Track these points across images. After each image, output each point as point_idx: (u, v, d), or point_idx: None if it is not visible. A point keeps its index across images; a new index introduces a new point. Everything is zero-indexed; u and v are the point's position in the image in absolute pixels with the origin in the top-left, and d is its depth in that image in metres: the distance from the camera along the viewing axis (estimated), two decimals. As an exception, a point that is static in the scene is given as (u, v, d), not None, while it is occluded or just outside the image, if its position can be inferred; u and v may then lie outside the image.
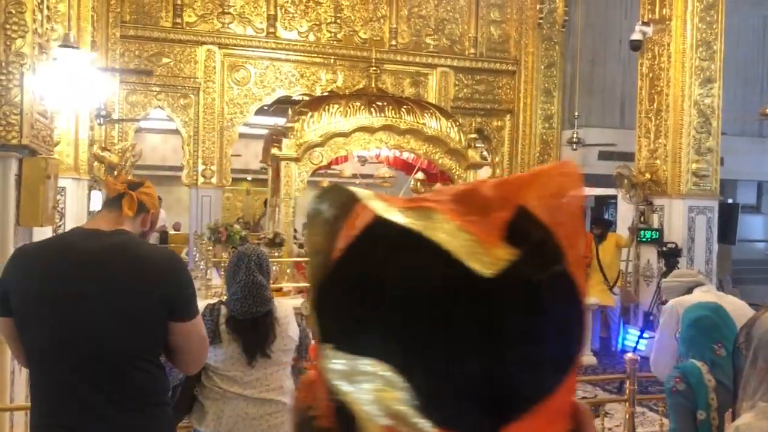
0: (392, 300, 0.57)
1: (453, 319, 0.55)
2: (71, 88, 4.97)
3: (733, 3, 8.29)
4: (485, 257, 0.56)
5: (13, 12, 3.59)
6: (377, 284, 0.58)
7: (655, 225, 8.05)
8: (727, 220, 8.55)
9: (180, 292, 2.01)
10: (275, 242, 7.51)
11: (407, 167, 9.00)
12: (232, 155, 9.92)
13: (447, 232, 0.57)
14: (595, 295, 7.68)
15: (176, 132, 10.19)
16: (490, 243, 0.56)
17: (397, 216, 0.59)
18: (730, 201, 10.88)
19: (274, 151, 8.04)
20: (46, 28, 3.97)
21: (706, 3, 7.71)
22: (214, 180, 9.63)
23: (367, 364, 0.57)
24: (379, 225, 0.59)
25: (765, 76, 10.54)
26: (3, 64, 3.56)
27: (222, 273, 7.27)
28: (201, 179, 9.58)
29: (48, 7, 3.99)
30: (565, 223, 0.61)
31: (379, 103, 8.16)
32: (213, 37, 9.57)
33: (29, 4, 3.64)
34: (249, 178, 17.09)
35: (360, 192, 0.62)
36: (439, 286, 0.56)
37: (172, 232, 14.42)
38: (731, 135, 9.93)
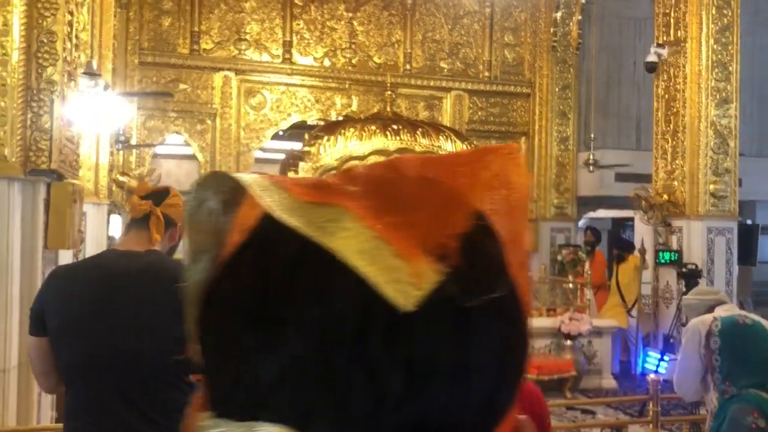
0: (290, 338, 0.44)
1: (366, 363, 0.43)
2: (93, 114, 5.04)
3: (747, 24, 8.32)
4: (406, 281, 0.43)
5: (45, 41, 3.67)
6: (269, 316, 0.45)
7: (674, 246, 8.00)
8: (747, 241, 8.48)
9: None
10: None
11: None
12: (248, 179, 9.97)
13: (359, 244, 0.44)
14: (612, 317, 7.62)
15: (191, 157, 10.28)
16: (413, 257, 0.44)
17: (295, 217, 0.45)
18: (749, 222, 10.81)
19: (291, 175, 8.10)
20: (74, 56, 4.05)
21: (720, 25, 7.74)
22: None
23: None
24: (273, 228, 0.46)
25: (781, 97, 10.51)
26: (34, 91, 3.63)
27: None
28: (218, 203, 9.62)
29: (76, 36, 4.07)
30: (508, 216, 0.50)
31: (395, 127, 8.22)
32: (230, 64, 9.69)
33: (60, 34, 3.72)
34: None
35: (247, 179, 0.48)
36: (347, 322, 0.43)
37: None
38: (749, 156, 9.90)
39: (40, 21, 3.80)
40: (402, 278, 0.43)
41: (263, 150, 10.67)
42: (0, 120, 3.62)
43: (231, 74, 9.71)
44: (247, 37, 9.78)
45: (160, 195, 2.22)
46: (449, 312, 0.45)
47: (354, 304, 0.44)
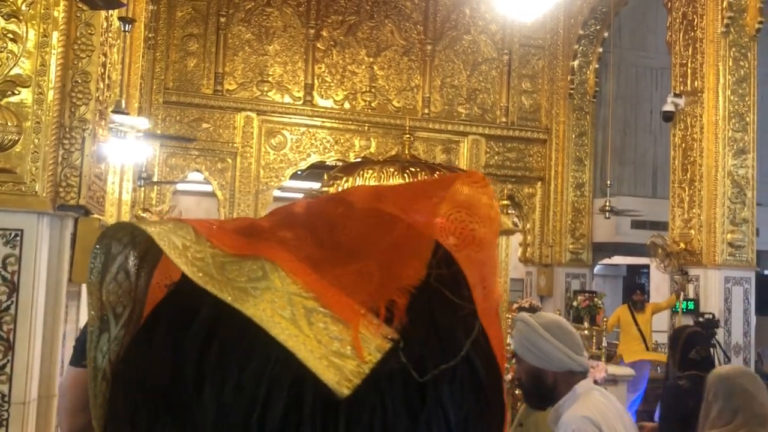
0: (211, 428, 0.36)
1: None
2: (120, 152, 5.17)
3: (763, 74, 8.40)
4: (345, 355, 0.35)
5: (79, 81, 3.81)
6: (180, 402, 0.37)
7: (691, 295, 7.96)
8: (765, 291, 8.42)
9: None
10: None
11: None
12: (266, 218, 10.10)
13: (286, 309, 0.36)
14: (639, 356, 7.60)
15: (210, 195, 10.42)
16: (356, 320, 0.36)
17: (211, 276, 0.37)
18: (766, 272, 10.73)
19: (309, 214, 8.18)
20: (106, 96, 4.19)
21: (737, 76, 7.82)
22: (247, 242, 9.77)
23: None
24: (192, 288, 0.38)
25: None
26: (67, 129, 3.75)
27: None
28: (235, 241, 9.72)
29: (109, 77, 4.22)
30: (476, 252, 0.42)
31: (413, 169, 8.29)
32: (252, 104, 9.90)
33: (93, 75, 3.86)
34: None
35: (158, 230, 0.39)
36: (270, 410, 0.35)
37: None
38: (766, 206, 9.88)
39: (76, 62, 3.94)
40: (343, 352, 0.35)
41: (282, 189, 10.80)
42: (33, 156, 3.73)
43: (253, 114, 9.90)
44: (270, 79, 10.00)
45: None
46: (400, 390, 0.36)
47: (276, 387, 0.35)
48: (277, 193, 10.38)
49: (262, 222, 0.42)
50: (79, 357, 2.00)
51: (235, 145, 9.82)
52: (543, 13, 5.79)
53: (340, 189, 8.05)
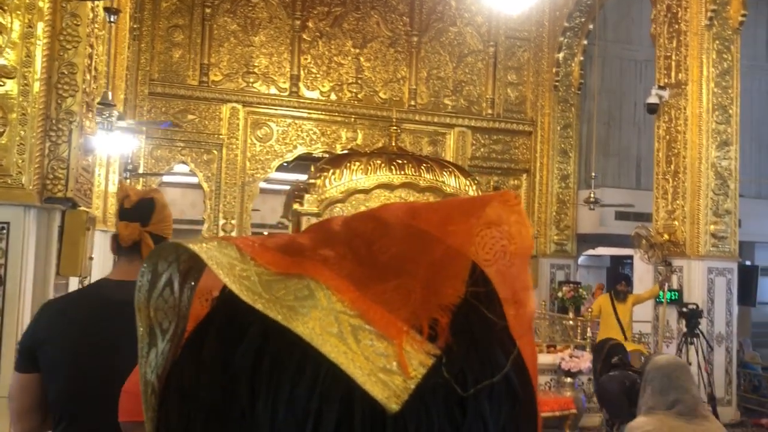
0: None
1: None
2: (106, 144, 5.14)
3: (745, 67, 8.49)
4: (392, 371, 0.36)
5: (66, 73, 3.78)
6: (232, 416, 0.39)
7: (675, 286, 8.05)
8: (747, 282, 8.54)
9: None
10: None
11: (426, 224, 9.09)
12: (252, 210, 10.09)
13: (334, 327, 0.37)
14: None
15: (195, 186, 10.39)
16: (400, 337, 0.37)
17: (259, 294, 0.38)
18: (748, 263, 10.88)
19: (296, 206, 8.17)
20: (93, 88, 4.16)
21: (721, 68, 7.90)
22: (234, 234, 9.75)
23: None
24: (238, 304, 0.39)
25: (779, 140, 10.66)
26: (54, 121, 3.73)
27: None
28: (221, 233, 9.70)
29: (95, 68, 4.19)
30: (508, 270, 0.44)
31: (400, 161, 8.32)
32: (238, 96, 9.85)
33: (80, 66, 3.84)
34: (266, 233, 17.22)
35: (205, 249, 0.40)
36: (323, 424, 0.36)
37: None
38: (748, 197, 10.01)
39: (62, 53, 3.91)
40: (389, 368, 0.36)
41: (268, 181, 10.77)
42: (19, 148, 3.71)
43: (239, 106, 9.86)
44: (256, 70, 9.96)
45: (145, 211, 1.95)
46: (444, 405, 0.38)
47: (328, 402, 0.36)
48: (262, 184, 10.36)
49: (301, 239, 0.43)
50: (24, 364, 1.91)
51: (220, 136, 9.78)
52: (529, 6, 5.80)
53: (329, 182, 8.06)
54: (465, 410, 0.38)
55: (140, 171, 8.94)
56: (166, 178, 12.05)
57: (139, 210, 1.94)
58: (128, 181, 8.30)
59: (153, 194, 2.01)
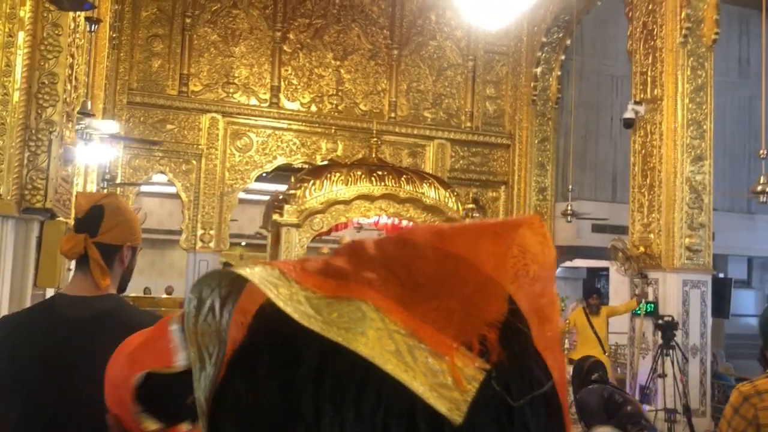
0: None
1: None
2: (84, 153, 5.10)
3: (719, 84, 8.66)
4: (450, 386, 0.38)
5: (46, 82, 3.76)
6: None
7: (650, 298, 8.16)
8: (721, 294, 8.68)
9: None
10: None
11: (405, 236, 9.12)
12: (230, 220, 10.04)
13: (392, 345, 0.39)
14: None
15: (173, 196, 10.33)
16: (451, 354, 0.39)
17: (313, 317, 0.40)
18: (721, 275, 11.05)
19: (275, 217, 8.16)
20: (73, 98, 4.14)
21: (695, 85, 8.06)
22: (212, 244, 9.70)
23: None
24: (283, 322, 0.40)
25: (751, 154, 10.87)
26: (33, 131, 3.70)
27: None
28: (199, 243, 9.65)
29: (76, 78, 4.16)
30: (535, 293, 0.45)
31: (380, 173, 8.36)
32: (217, 106, 9.83)
33: (61, 76, 3.81)
34: (243, 243, 17.15)
35: (252, 273, 0.42)
36: None
37: (163, 295, 14.35)
38: (721, 211, 10.18)
39: (42, 63, 3.89)
40: (444, 383, 0.38)
41: (246, 191, 10.74)
42: (-2, 158, 3.67)
43: (218, 116, 9.83)
44: (236, 80, 9.95)
45: (93, 220, 1.83)
46: (494, 415, 0.40)
47: (392, 417, 0.38)
48: (242, 195, 10.33)
49: (338, 263, 0.44)
50: None
51: (200, 146, 9.74)
52: (507, 22, 5.88)
53: (309, 193, 8.05)
54: (513, 421, 0.40)
55: (118, 181, 8.87)
56: (143, 188, 11.97)
57: (87, 220, 1.83)
58: (105, 190, 8.24)
59: (103, 201, 1.88)
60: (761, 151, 6.84)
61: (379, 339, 0.39)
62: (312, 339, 0.39)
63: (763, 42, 7.68)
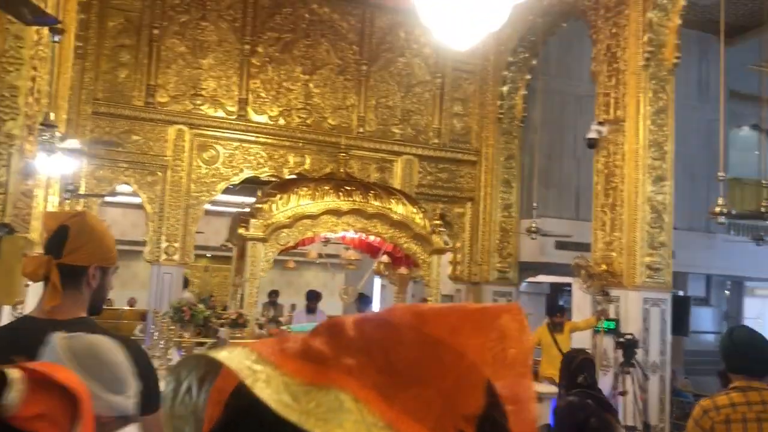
0: None
1: None
2: (46, 165, 5.02)
3: (680, 106, 8.86)
4: None
5: (7, 95, 3.69)
6: None
7: (612, 315, 8.28)
8: (680, 312, 8.85)
9: (144, 384, 1.72)
10: (238, 323, 7.48)
11: (372, 250, 9.13)
12: (195, 232, 9.95)
13: None
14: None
15: (137, 207, 10.20)
16: None
17: (290, 406, 0.39)
18: (681, 293, 11.28)
19: (241, 231, 8.10)
20: (35, 111, 4.07)
21: (657, 107, 8.25)
22: (176, 257, 9.59)
23: None
24: (259, 405, 0.40)
25: (710, 175, 11.15)
26: (-7, 144, 3.63)
27: (183, 353, 7.18)
28: (163, 255, 9.53)
29: (38, 90, 4.10)
30: (512, 377, 0.46)
31: (348, 188, 8.36)
32: (184, 118, 9.76)
33: (22, 89, 3.75)
34: (209, 255, 16.97)
35: (230, 358, 0.42)
36: None
37: (126, 307, 14.12)
38: (681, 230, 10.40)
39: (3, 75, 3.83)
40: None
41: (213, 203, 10.66)
42: (-45, 171, 3.60)
43: (185, 128, 9.75)
44: (203, 92, 9.89)
45: (57, 241, 1.75)
46: None
47: None
48: (208, 206, 10.25)
49: (318, 345, 0.44)
50: None
51: (165, 158, 9.64)
52: (476, 43, 5.96)
53: (276, 207, 8.02)
54: None
55: (81, 192, 8.72)
56: (108, 198, 11.80)
57: (52, 240, 1.77)
58: (68, 201, 8.10)
59: (69, 220, 1.79)
60: (719, 173, 7.02)
61: (355, 430, 0.38)
62: (287, 428, 0.39)
63: (722, 67, 7.92)
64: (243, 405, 0.43)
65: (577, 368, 4.42)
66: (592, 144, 8.67)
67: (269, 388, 0.40)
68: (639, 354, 7.77)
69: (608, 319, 8.20)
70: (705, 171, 11.85)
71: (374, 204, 8.29)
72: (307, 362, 0.42)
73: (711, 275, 14.02)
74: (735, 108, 13.87)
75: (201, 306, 8.02)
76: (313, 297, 10.17)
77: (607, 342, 8.24)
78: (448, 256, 10.90)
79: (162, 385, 0.47)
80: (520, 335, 0.48)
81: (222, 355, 0.42)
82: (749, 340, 2.99)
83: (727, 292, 17.04)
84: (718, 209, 6.68)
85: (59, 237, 1.76)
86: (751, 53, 11.03)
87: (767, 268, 14.10)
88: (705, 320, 14.04)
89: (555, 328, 8.40)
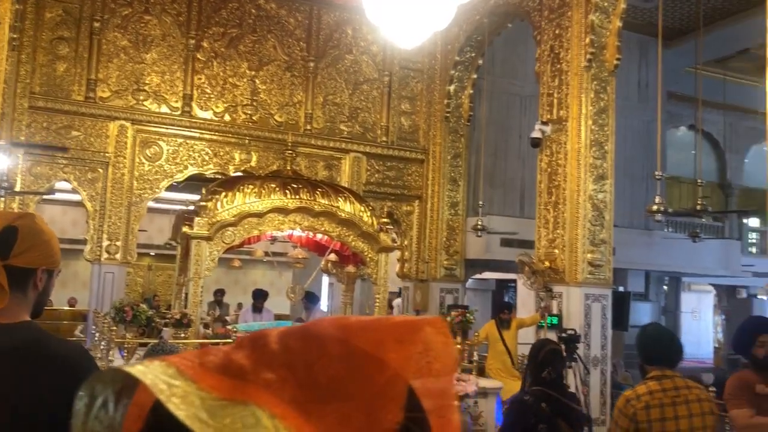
0: None
1: None
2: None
3: (621, 107, 9.12)
4: None
5: (-64, 87, 3.54)
6: None
7: (555, 311, 8.46)
8: (620, 307, 9.10)
9: None
10: (182, 323, 7.35)
11: (320, 248, 9.11)
12: (138, 230, 9.73)
13: None
14: (504, 381, 7.93)
15: (77, 204, 9.93)
16: None
17: (205, 422, 0.38)
18: (621, 289, 11.62)
19: (185, 229, 7.97)
20: (-33, 104, 3.93)
21: (598, 107, 8.46)
22: (118, 256, 9.37)
23: None
24: (178, 424, 0.39)
25: (650, 174, 11.51)
26: None
27: (125, 354, 7.02)
28: (105, 255, 9.30)
29: (-30, 83, 3.95)
30: (436, 388, 0.47)
31: (295, 186, 8.31)
32: (127, 113, 9.53)
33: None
34: (152, 254, 16.64)
35: (146, 372, 0.41)
36: None
37: (66, 307, 13.73)
38: (621, 227, 10.70)
39: (-67, 66, 3.67)
40: None
41: (157, 201, 10.46)
42: None
43: (127, 124, 9.53)
44: (147, 87, 9.68)
45: (4, 242, 1.71)
46: None
47: None
48: (152, 204, 10.05)
49: (239, 358, 0.43)
50: None
51: (107, 154, 9.40)
52: (422, 41, 6.00)
53: (221, 205, 7.91)
54: None
55: (17, 189, 8.43)
56: (46, 195, 11.44)
57: (2, 238, 1.71)
58: (3, 199, 7.82)
59: (18, 221, 1.74)
60: (656, 173, 7.25)
61: None
62: None
63: (659, 69, 8.18)
64: (161, 421, 0.42)
65: (543, 361, 4.20)
66: (536, 143, 8.82)
67: (184, 404, 0.39)
68: (581, 348, 7.95)
69: (551, 315, 8.38)
70: (644, 170, 12.23)
71: (321, 202, 8.27)
72: (226, 377, 0.42)
73: (650, 271, 14.49)
74: (673, 109, 14.39)
75: (144, 306, 7.84)
76: (259, 296, 10.08)
77: (551, 337, 8.41)
78: (396, 253, 10.96)
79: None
80: (445, 348, 0.48)
81: (137, 369, 0.42)
82: (659, 336, 3.42)
83: (665, 287, 17.63)
84: (655, 207, 6.89)
85: (7, 238, 1.71)
86: (689, 56, 11.44)
87: (703, 264, 14.64)
88: (644, 315, 14.50)
89: (502, 324, 8.54)
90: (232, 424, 0.39)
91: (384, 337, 0.46)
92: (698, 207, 8.08)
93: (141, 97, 9.64)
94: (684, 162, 14.46)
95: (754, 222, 18.67)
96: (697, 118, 12.43)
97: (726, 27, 12.53)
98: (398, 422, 0.42)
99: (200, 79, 9.98)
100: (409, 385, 0.45)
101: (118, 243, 9.36)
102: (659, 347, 3.32)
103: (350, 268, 9.08)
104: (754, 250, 18.94)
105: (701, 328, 19.99)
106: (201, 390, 0.40)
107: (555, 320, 8.31)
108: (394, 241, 9.71)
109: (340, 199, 8.42)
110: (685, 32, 12.71)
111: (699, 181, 8.52)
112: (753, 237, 19.19)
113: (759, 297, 17.83)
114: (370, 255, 8.50)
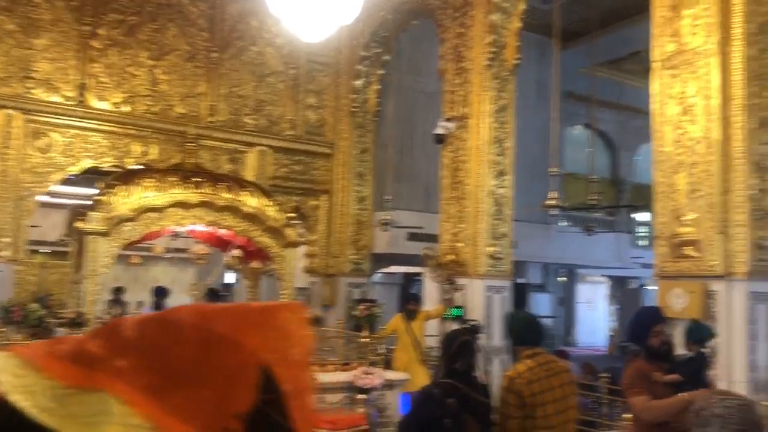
0: None
1: None
2: None
3: (520, 105, 9.41)
4: None
5: None
6: None
7: (458, 303, 8.67)
8: (520, 298, 9.43)
9: None
10: (77, 322, 7.04)
11: (223, 244, 8.93)
12: (29, 226, 9.21)
13: None
14: (413, 363, 8.05)
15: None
16: None
17: (50, 412, 0.38)
18: (521, 281, 12.04)
19: (79, 224, 7.62)
20: None
21: (498, 105, 8.71)
22: (7, 253, 8.84)
23: None
24: (20, 418, 0.38)
25: (547, 170, 11.97)
26: None
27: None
28: (-8, 252, 8.75)
29: None
30: (293, 370, 0.47)
31: (196, 179, 8.11)
32: (14, 102, 8.98)
33: None
34: (49, 251, 15.79)
35: None
36: None
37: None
38: (521, 221, 11.08)
39: None
40: None
41: (52, 195, 9.94)
42: None
43: (14, 112, 8.98)
44: (36, 75, 9.16)
45: None
46: None
47: None
48: (45, 198, 9.54)
49: (92, 347, 0.42)
50: None
51: (-8, 145, 8.84)
52: (327, 35, 5.99)
53: (116, 198, 7.60)
54: None
55: None
56: None
57: None
58: None
59: None
60: (551, 169, 7.55)
61: None
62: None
63: (554, 69, 8.51)
64: (6, 413, 0.41)
65: (456, 353, 4.13)
66: (440, 139, 9.00)
67: (28, 393, 0.38)
68: (482, 339, 8.19)
69: (455, 307, 8.57)
70: (542, 167, 12.66)
71: (225, 196, 8.10)
72: (76, 365, 0.41)
73: (548, 264, 15.09)
74: (569, 108, 15.01)
75: (35, 305, 7.45)
76: (160, 293, 9.79)
77: (456, 329, 8.60)
78: (303, 248, 10.90)
79: None
80: (301, 331, 0.49)
81: None
82: (529, 320, 3.87)
83: (562, 278, 18.42)
84: (550, 202, 7.18)
85: None
86: (585, 57, 11.96)
87: (597, 256, 15.39)
88: (543, 305, 15.10)
89: (409, 315, 8.66)
90: (80, 411, 0.38)
91: (240, 322, 0.46)
92: (592, 202, 8.48)
93: (30, 85, 9.11)
94: (580, 159, 15.13)
95: (643, 216, 19.76)
96: (591, 117, 13.02)
97: (619, 30, 13.20)
98: (251, 404, 0.43)
99: (96, 67, 9.54)
100: (264, 367, 0.45)
101: (7, 239, 8.84)
102: (530, 329, 3.74)
103: (255, 264, 8.95)
104: (643, 242, 20.07)
105: (596, 318, 21.02)
106: (49, 379, 0.39)
107: (459, 312, 8.52)
108: (300, 235, 9.65)
109: (244, 193, 8.28)
110: (581, 34, 13.28)
111: (593, 177, 8.93)
112: (642, 230, 20.31)
113: (647, 287, 18.93)
114: (276, 250, 8.41)
